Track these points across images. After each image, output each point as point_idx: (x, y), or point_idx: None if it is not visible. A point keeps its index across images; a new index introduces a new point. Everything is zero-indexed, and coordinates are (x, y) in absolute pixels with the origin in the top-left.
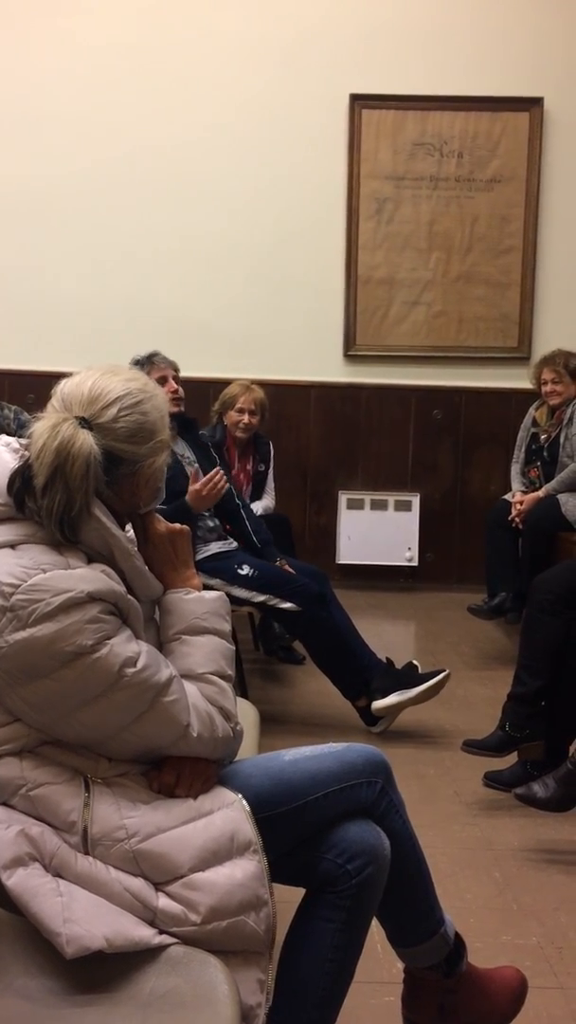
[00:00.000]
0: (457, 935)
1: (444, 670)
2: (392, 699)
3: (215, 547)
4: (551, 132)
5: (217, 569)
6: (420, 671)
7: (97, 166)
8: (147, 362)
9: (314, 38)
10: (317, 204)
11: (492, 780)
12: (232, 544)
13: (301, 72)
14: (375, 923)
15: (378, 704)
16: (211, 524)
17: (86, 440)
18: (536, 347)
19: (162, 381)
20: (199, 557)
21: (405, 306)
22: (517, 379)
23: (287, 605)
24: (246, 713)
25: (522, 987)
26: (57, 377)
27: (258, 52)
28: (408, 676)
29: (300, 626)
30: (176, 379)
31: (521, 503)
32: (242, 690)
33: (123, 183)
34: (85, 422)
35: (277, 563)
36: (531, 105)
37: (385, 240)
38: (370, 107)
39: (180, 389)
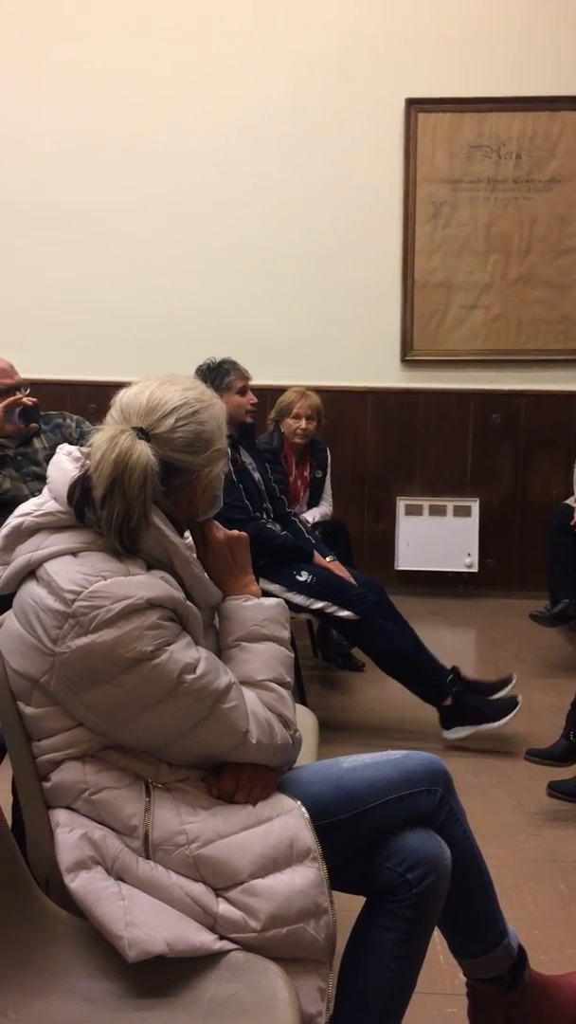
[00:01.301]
0: (520, 947)
1: (516, 703)
2: (457, 734)
3: None
4: None
5: (276, 575)
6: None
7: (153, 179)
8: (231, 369)
9: (369, 44)
10: (374, 209)
11: (556, 790)
12: None
13: (357, 78)
14: (437, 933)
15: (448, 735)
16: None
17: (144, 451)
18: None
19: (243, 391)
20: (258, 563)
21: (463, 310)
22: None
23: (345, 613)
24: (305, 720)
25: None
26: (116, 387)
27: (314, 60)
28: (473, 710)
29: (358, 635)
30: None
31: None
32: (301, 697)
33: (180, 195)
34: (143, 433)
35: (328, 560)
36: None
37: (442, 244)
38: (426, 111)
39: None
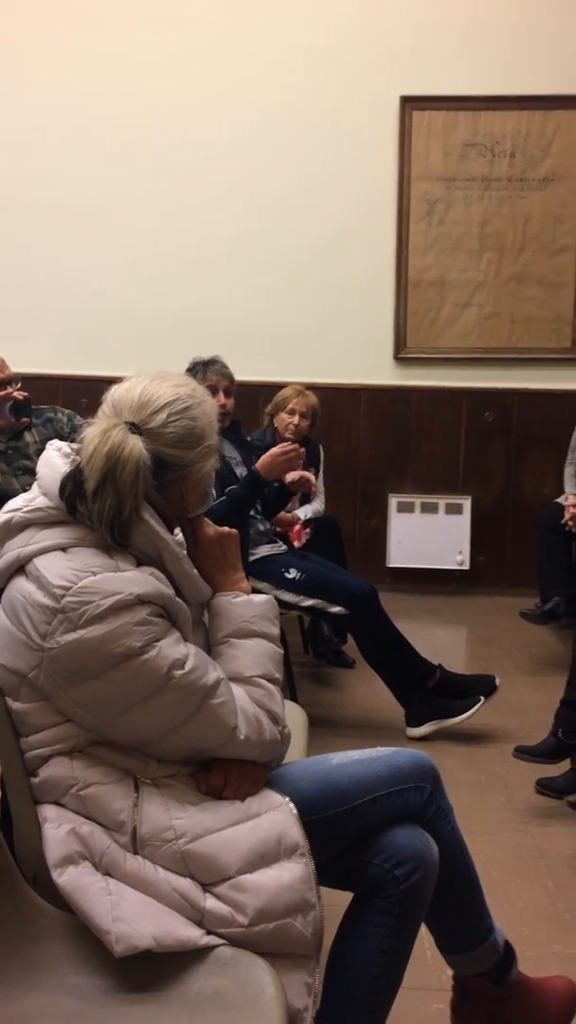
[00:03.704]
0: (507, 943)
1: (480, 699)
2: (426, 729)
3: (264, 550)
4: None
5: (265, 572)
6: (471, 676)
7: (147, 174)
8: (203, 368)
9: (364, 41)
10: (367, 206)
11: (544, 787)
12: (281, 547)
13: (351, 75)
14: (424, 929)
15: (412, 733)
16: (261, 528)
17: (136, 445)
18: None
19: (214, 391)
20: (248, 560)
21: (456, 308)
22: (571, 380)
23: (336, 609)
24: (294, 716)
25: (574, 997)
26: (109, 382)
27: (308, 57)
28: (444, 705)
29: (350, 625)
30: (228, 391)
31: (574, 507)
32: (291, 693)
33: (174, 190)
34: (135, 427)
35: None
36: None
37: (436, 242)
38: (420, 109)
39: (228, 404)
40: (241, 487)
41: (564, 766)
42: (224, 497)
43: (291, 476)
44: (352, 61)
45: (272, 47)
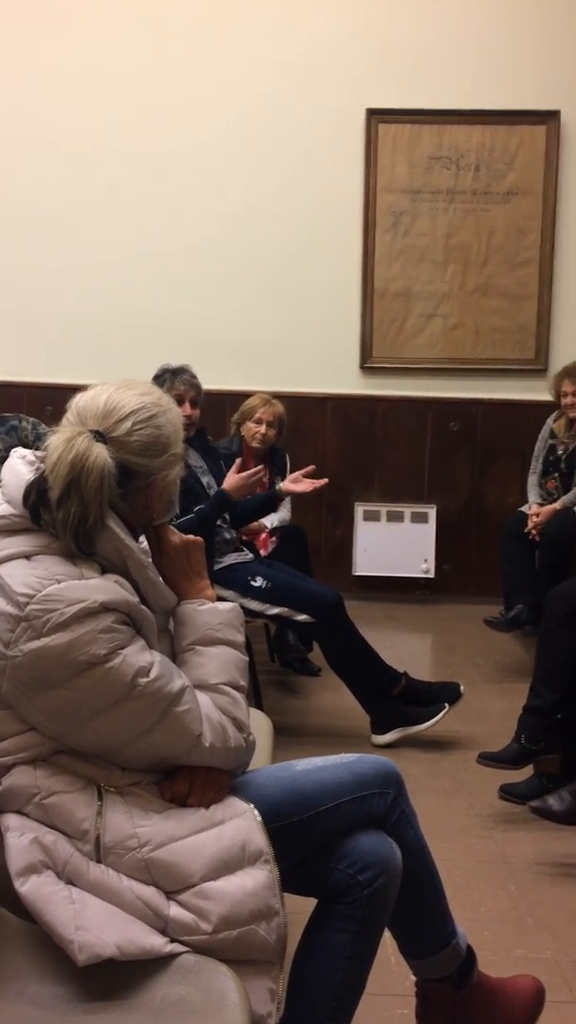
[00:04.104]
0: (469, 947)
1: (445, 706)
2: (391, 736)
3: (230, 559)
4: (568, 144)
5: (231, 581)
6: (435, 683)
7: (113, 181)
8: (171, 377)
9: (330, 54)
10: (334, 217)
11: (508, 793)
12: (247, 556)
13: (318, 88)
14: (388, 935)
15: (377, 740)
16: (227, 536)
17: (100, 453)
18: (553, 359)
19: (179, 402)
20: (214, 569)
21: (422, 318)
22: (534, 391)
23: (301, 617)
24: (260, 724)
25: (539, 995)
26: (74, 390)
27: (275, 68)
28: (409, 712)
29: (316, 633)
30: (195, 401)
31: (538, 515)
32: (256, 701)
33: (141, 198)
34: (100, 435)
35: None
36: (547, 118)
37: (402, 253)
38: (387, 121)
39: (195, 414)
40: (210, 507)
41: (527, 772)
42: (193, 515)
43: (287, 486)
44: (319, 74)
45: (240, 59)
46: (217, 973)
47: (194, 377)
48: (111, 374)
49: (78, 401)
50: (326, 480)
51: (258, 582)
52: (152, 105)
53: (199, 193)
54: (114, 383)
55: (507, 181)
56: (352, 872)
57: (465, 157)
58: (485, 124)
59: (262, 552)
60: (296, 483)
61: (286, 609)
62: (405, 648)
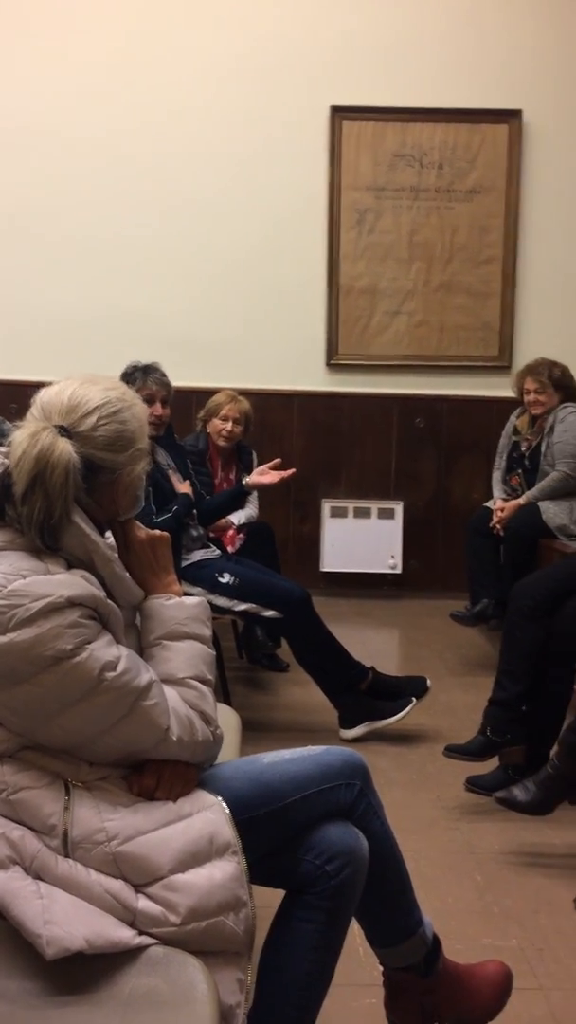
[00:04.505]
0: (435, 936)
1: (412, 700)
2: (359, 730)
3: (198, 555)
4: (529, 143)
5: (199, 577)
6: (402, 678)
7: (80, 178)
8: (142, 376)
9: (294, 51)
10: (299, 215)
11: (474, 784)
12: (215, 552)
13: (281, 85)
14: (356, 927)
15: (345, 735)
16: (194, 534)
17: (65, 448)
18: (516, 356)
19: (149, 401)
20: (181, 566)
21: (387, 316)
22: (498, 387)
23: (269, 613)
24: (228, 719)
25: (506, 980)
26: (38, 387)
27: (239, 66)
28: (376, 707)
29: (283, 629)
30: (165, 401)
31: (502, 510)
32: (224, 696)
33: (106, 195)
34: (64, 430)
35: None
36: (509, 117)
37: (366, 250)
38: (350, 119)
39: (165, 414)
40: (183, 507)
41: (493, 764)
42: (171, 515)
43: (254, 479)
44: (282, 70)
45: (203, 55)
46: (186, 964)
47: (164, 376)
48: (74, 371)
49: (42, 396)
50: (293, 470)
51: (226, 578)
52: (112, 100)
53: (163, 190)
54: (79, 378)
55: (470, 179)
56: (319, 863)
57: (428, 155)
58: (448, 122)
59: (229, 549)
60: (263, 475)
61: (254, 605)
62: (373, 643)
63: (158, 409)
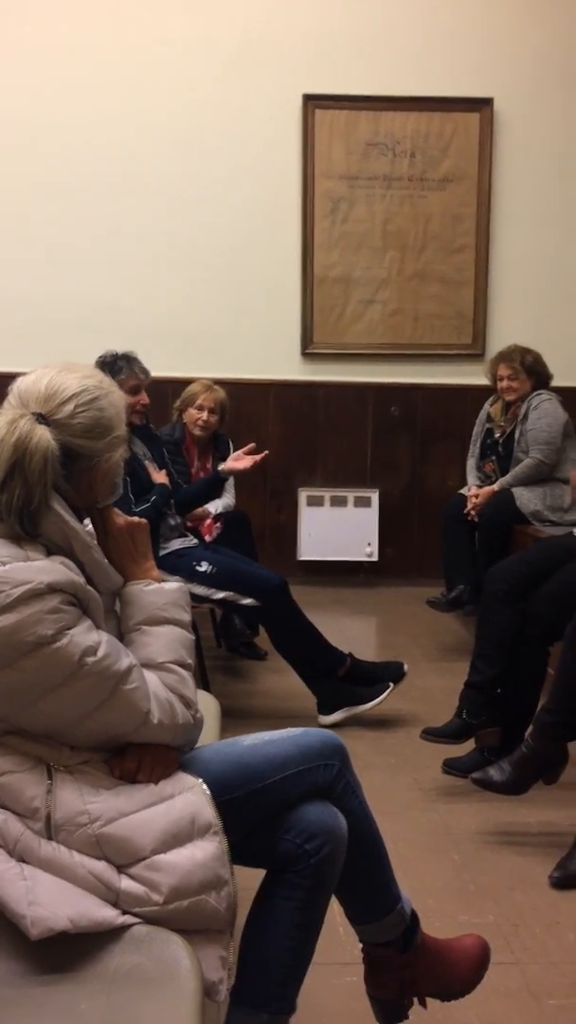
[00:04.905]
0: (413, 912)
1: (389, 685)
2: (338, 716)
3: (175, 544)
4: (501, 132)
5: (176, 566)
6: (380, 663)
7: (50, 166)
8: (124, 366)
9: (266, 40)
10: (272, 204)
11: (451, 767)
12: (192, 541)
13: (254, 73)
14: (336, 906)
15: (324, 720)
16: (172, 523)
17: (44, 435)
18: (490, 344)
19: (135, 390)
20: (159, 555)
21: (361, 304)
22: (472, 375)
23: (247, 601)
24: (207, 705)
25: (484, 953)
26: (13, 377)
27: (211, 55)
28: (354, 692)
29: (261, 617)
30: (147, 389)
31: (476, 496)
32: (203, 683)
33: (76, 183)
34: (42, 418)
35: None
36: (481, 106)
37: (340, 239)
38: (323, 107)
39: (147, 402)
40: (161, 497)
41: (469, 746)
42: (149, 505)
43: (229, 465)
44: (254, 59)
45: (175, 44)
46: (169, 942)
47: (142, 365)
48: (51, 361)
49: (20, 384)
50: (266, 452)
51: (203, 567)
52: (88, 95)
53: (137, 180)
54: (56, 366)
55: (442, 168)
56: (299, 842)
57: (401, 143)
58: (420, 111)
59: (207, 538)
60: (237, 460)
61: (232, 593)
62: (350, 630)
63: (144, 398)
